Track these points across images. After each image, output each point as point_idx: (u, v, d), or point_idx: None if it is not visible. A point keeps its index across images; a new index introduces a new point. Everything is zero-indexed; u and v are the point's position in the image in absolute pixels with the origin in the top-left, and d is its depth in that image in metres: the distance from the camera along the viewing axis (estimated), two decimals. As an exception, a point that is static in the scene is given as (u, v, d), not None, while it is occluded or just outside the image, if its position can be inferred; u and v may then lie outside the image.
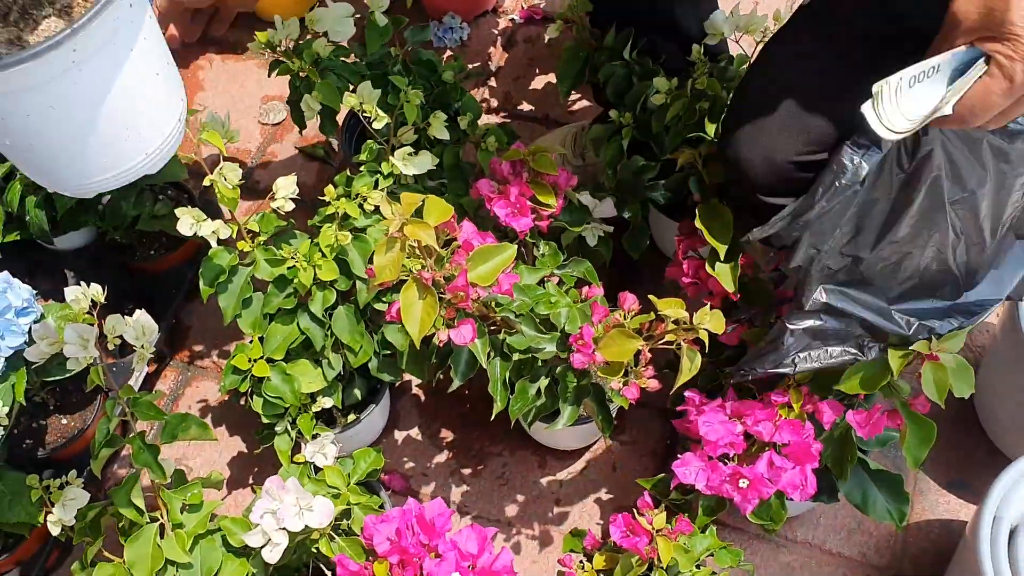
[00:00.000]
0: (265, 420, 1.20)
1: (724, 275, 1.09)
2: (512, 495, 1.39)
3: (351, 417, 1.30)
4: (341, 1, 1.26)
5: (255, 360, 1.17)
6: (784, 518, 1.12)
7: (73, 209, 1.44)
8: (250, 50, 1.32)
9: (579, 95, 1.78)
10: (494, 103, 1.79)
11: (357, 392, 1.30)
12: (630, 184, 1.35)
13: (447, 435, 1.44)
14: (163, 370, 1.54)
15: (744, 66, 1.33)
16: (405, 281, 0.88)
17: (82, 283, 1.07)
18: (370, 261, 1.13)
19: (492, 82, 1.82)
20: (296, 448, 1.22)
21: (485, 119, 1.76)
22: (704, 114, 1.22)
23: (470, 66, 1.84)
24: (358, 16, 1.30)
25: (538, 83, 1.81)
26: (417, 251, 0.87)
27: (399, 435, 1.44)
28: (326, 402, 1.22)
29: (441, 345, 0.94)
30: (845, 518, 1.33)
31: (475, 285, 0.90)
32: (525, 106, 1.78)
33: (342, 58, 1.31)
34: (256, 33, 1.28)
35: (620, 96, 1.42)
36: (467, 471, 1.41)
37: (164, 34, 0.87)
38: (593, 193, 1.29)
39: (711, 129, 1.20)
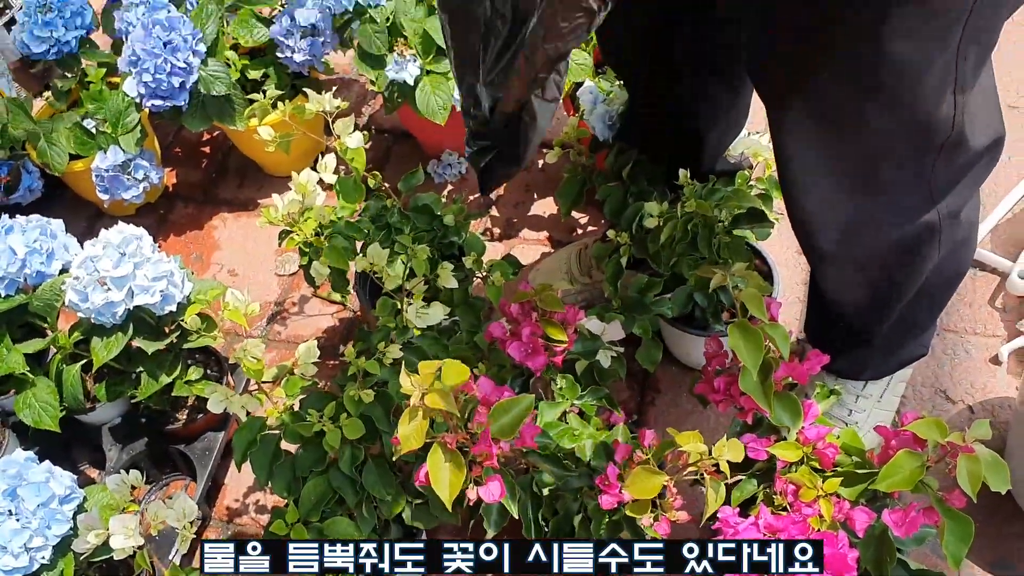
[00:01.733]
0: (307, 581, 1.21)
1: (757, 392, 1.11)
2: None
3: (391, 565, 1.32)
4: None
5: (292, 524, 1.19)
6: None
7: (110, 380, 1.49)
8: (260, 215, 1.39)
9: (581, 215, 1.83)
10: (497, 231, 1.84)
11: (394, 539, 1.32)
12: (637, 301, 1.38)
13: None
14: (204, 531, 1.56)
15: (745, 183, 1.39)
16: (430, 445, 0.91)
17: (122, 472, 1.11)
18: (395, 415, 1.16)
19: (494, 211, 1.88)
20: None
21: (491, 247, 1.82)
22: (696, 234, 1.26)
23: (471, 197, 1.90)
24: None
25: (538, 207, 1.87)
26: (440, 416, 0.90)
27: None
28: (365, 556, 1.24)
29: (471, 504, 0.96)
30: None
31: (498, 440, 0.93)
32: (527, 231, 1.84)
33: (345, 218, 1.37)
34: (262, 210, 1.34)
35: (617, 215, 1.48)
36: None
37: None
38: (600, 315, 1.33)
39: (704, 249, 1.24)
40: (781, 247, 1.71)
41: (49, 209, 1.96)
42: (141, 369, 1.46)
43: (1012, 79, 1.88)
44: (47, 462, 1.31)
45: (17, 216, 1.49)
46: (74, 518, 1.23)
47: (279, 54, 1.72)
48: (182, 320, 1.27)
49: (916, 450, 1.06)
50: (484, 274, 1.42)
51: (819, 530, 1.07)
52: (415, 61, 1.61)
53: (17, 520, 1.20)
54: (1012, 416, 1.46)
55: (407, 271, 1.26)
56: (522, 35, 0.86)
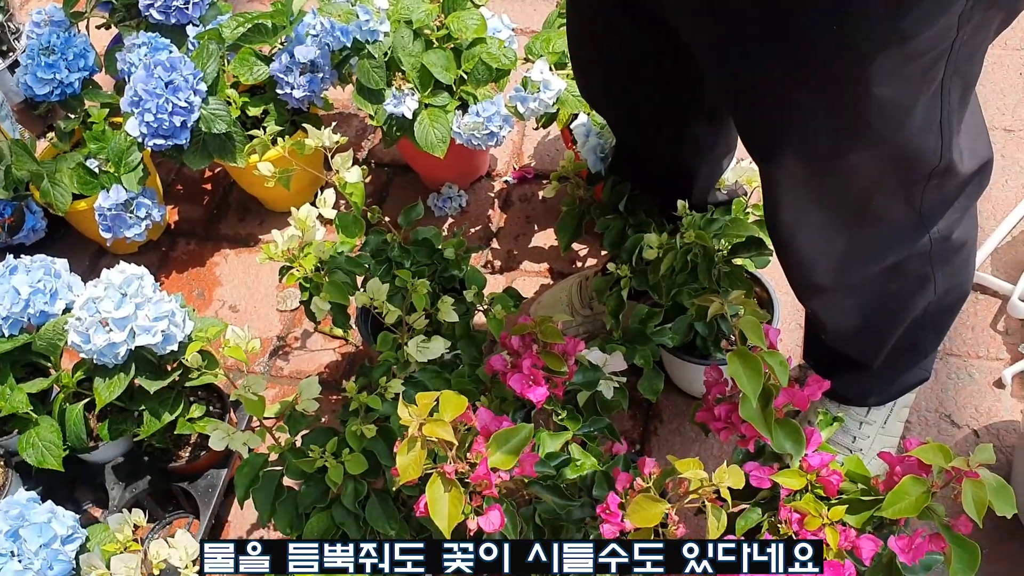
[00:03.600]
0: (311, 619, 1.20)
1: (757, 420, 1.11)
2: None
3: (396, 601, 1.31)
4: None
5: (295, 560, 1.18)
6: (839, 656, 1.11)
7: (113, 418, 1.49)
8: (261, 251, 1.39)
9: (581, 247, 1.84)
10: (498, 264, 1.85)
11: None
12: (638, 332, 1.38)
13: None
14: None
15: (742, 210, 1.40)
16: (430, 475, 0.91)
17: (124, 511, 1.11)
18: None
19: (494, 243, 1.89)
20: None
21: (492, 279, 1.82)
22: (695, 264, 1.27)
23: (471, 230, 1.91)
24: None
25: (538, 239, 1.88)
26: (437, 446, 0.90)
27: (445, 609, 1.44)
28: (369, 593, 1.23)
29: (471, 535, 0.96)
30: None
31: (497, 470, 0.93)
32: (528, 263, 1.84)
33: (346, 253, 1.37)
34: (262, 247, 1.34)
35: (617, 247, 1.48)
36: (517, 638, 1.40)
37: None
38: (602, 346, 1.33)
39: (705, 279, 1.25)
40: (780, 273, 1.71)
41: (52, 248, 1.98)
42: (143, 407, 1.46)
43: (1006, 103, 1.89)
44: (49, 502, 1.31)
45: (22, 256, 1.50)
46: (77, 558, 1.22)
47: (279, 91, 1.74)
48: (184, 359, 1.27)
49: (921, 476, 1.06)
50: (485, 307, 1.43)
51: (825, 559, 1.07)
52: (413, 95, 1.62)
53: (19, 561, 1.19)
54: (1017, 440, 1.45)
55: (408, 305, 1.27)
56: None
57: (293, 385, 1.73)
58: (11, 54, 2.18)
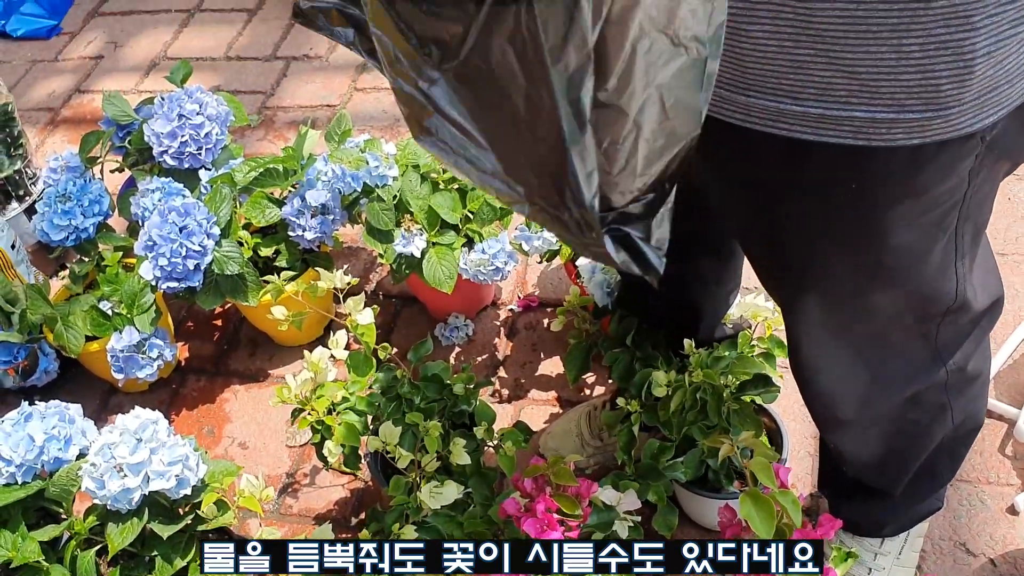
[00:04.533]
0: None
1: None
2: None
3: None
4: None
5: None
6: None
7: (124, 565, 1.48)
8: (271, 386, 1.41)
9: (589, 375, 1.86)
10: (505, 392, 1.86)
11: None
12: (650, 467, 1.39)
13: None
14: None
15: (747, 344, 1.42)
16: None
17: (136, 667, 1.09)
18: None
19: (501, 371, 1.91)
20: None
21: (500, 408, 1.84)
22: (705, 402, 1.28)
23: (478, 359, 1.93)
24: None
25: (545, 367, 1.90)
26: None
27: None
28: None
29: None
30: None
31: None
32: (536, 392, 1.86)
33: (357, 393, 1.39)
34: (275, 389, 1.37)
35: (626, 379, 1.50)
36: None
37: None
38: (615, 484, 1.33)
39: (714, 416, 1.26)
40: (788, 401, 1.73)
41: (63, 388, 1.99)
42: (156, 553, 1.45)
43: (997, 228, 1.94)
44: (61, 658, 1.29)
45: (36, 402, 1.52)
46: None
47: (290, 232, 1.79)
48: (199, 509, 1.27)
49: (940, 614, 1.05)
50: (495, 443, 1.44)
51: None
52: (421, 235, 1.67)
53: None
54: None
55: (419, 445, 1.28)
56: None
57: (302, 523, 1.72)
58: (27, 198, 2.24)
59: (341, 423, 1.34)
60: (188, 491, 1.39)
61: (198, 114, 1.89)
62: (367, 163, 1.65)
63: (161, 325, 1.88)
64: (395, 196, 1.69)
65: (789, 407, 1.72)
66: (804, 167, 0.89)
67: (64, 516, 1.50)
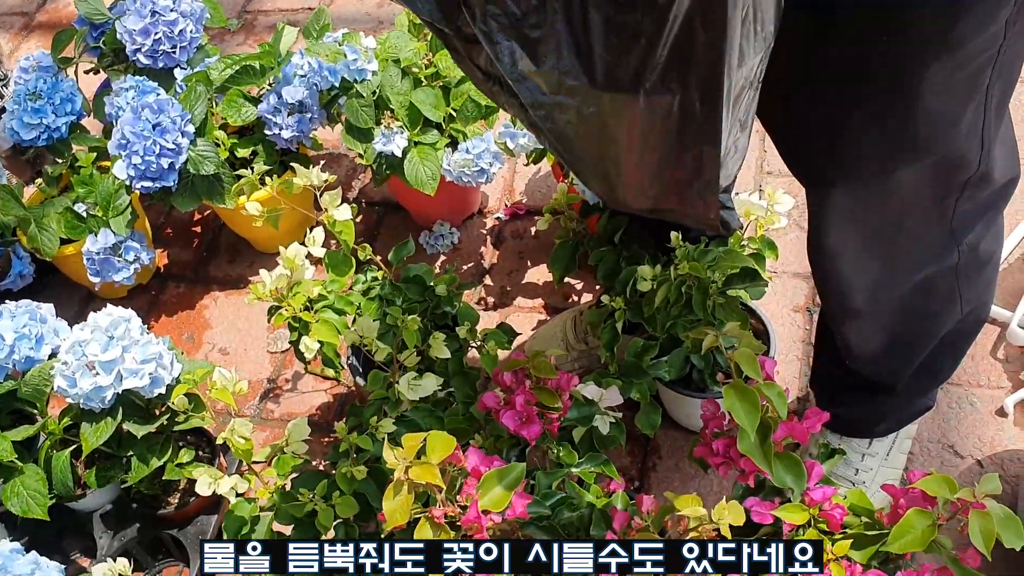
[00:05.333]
0: (303, 669, 1.17)
1: (756, 454, 1.08)
2: None
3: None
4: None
5: (286, 609, 1.15)
6: None
7: (100, 465, 1.46)
8: (249, 293, 1.37)
9: (576, 280, 1.82)
10: (491, 301, 1.83)
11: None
12: (634, 365, 1.36)
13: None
14: (198, 620, 1.52)
15: (738, 243, 1.38)
16: (419, 520, 0.88)
17: (109, 560, 1.07)
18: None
19: (487, 280, 1.87)
20: None
21: (485, 316, 1.80)
22: (690, 296, 1.25)
23: (464, 267, 1.90)
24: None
25: (531, 275, 1.86)
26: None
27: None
28: (364, 640, 1.19)
29: (464, 579, 0.93)
30: None
31: (488, 512, 0.90)
32: (522, 299, 1.82)
33: (335, 291, 1.36)
34: (250, 287, 1.33)
35: (611, 279, 1.46)
36: None
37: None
38: (597, 381, 1.30)
39: (699, 311, 1.23)
40: (776, 305, 1.70)
41: (40, 293, 1.95)
42: (131, 453, 1.43)
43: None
44: (33, 553, 1.28)
45: (6, 302, 1.48)
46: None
47: (267, 131, 1.73)
48: (170, 402, 1.24)
49: (926, 508, 1.03)
50: (478, 344, 1.41)
51: (831, 595, 1.04)
52: (402, 133, 1.61)
53: (2, 614, 1.16)
54: (1023, 469, 1.42)
55: (398, 343, 1.24)
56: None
57: (284, 428, 1.69)
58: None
59: (318, 320, 1.30)
60: (163, 390, 1.36)
61: (171, 10, 1.82)
62: (345, 56, 1.59)
63: (138, 228, 1.83)
64: (375, 92, 1.63)
65: (778, 312, 1.69)
66: (834, 30, 0.85)
67: (38, 417, 1.47)
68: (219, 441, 1.14)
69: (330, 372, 1.76)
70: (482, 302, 1.83)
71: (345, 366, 1.61)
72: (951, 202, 1.03)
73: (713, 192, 0.84)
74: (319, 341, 1.29)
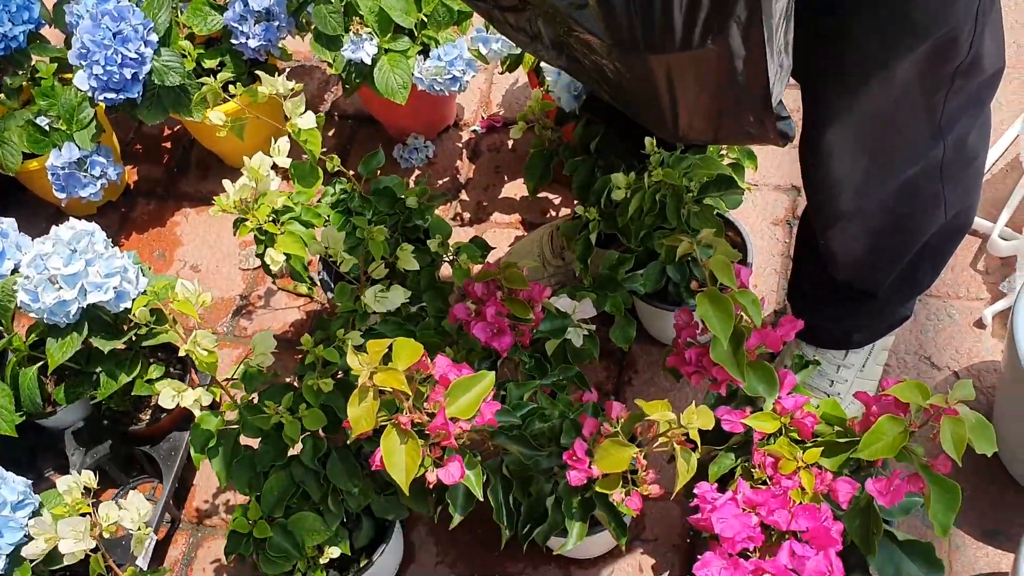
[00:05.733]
0: (274, 580, 1.17)
1: (729, 362, 1.07)
2: (541, 614, 1.35)
3: (363, 561, 1.27)
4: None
5: (255, 521, 1.14)
6: (818, 602, 1.08)
7: (69, 381, 1.44)
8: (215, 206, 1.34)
9: (554, 195, 1.79)
10: (467, 216, 1.80)
11: (367, 534, 1.27)
12: (608, 278, 1.34)
13: (466, 562, 1.41)
14: (173, 534, 1.52)
15: (716, 152, 1.35)
16: (385, 427, 0.87)
17: (73, 471, 1.06)
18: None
19: (463, 195, 1.83)
20: (312, 603, 1.19)
21: (461, 231, 1.77)
22: (664, 204, 1.22)
23: (439, 182, 1.86)
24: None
25: (508, 189, 1.82)
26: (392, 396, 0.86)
27: (417, 570, 1.41)
28: (333, 552, 1.19)
29: (431, 487, 0.92)
30: (883, 586, 1.28)
31: (456, 420, 0.89)
32: (498, 215, 1.79)
33: (302, 203, 1.32)
34: (215, 199, 1.29)
35: (585, 189, 1.43)
36: (491, 596, 1.38)
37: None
38: (571, 294, 1.28)
39: (674, 219, 1.20)
40: (756, 218, 1.67)
41: (6, 211, 1.90)
42: (100, 369, 1.41)
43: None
44: (-1, 468, 1.27)
45: (-32, 221, 1.44)
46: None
47: (234, 41, 1.67)
48: (131, 315, 1.22)
49: (898, 415, 1.02)
50: (451, 257, 1.38)
51: (800, 503, 1.03)
52: (372, 40, 1.56)
53: (-32, 529, 1.15)
54: (998, 380, 1.42)
55: (365, 254, 1.21)
56: None
57: (258, 345, 1.68)
58: (-43, 11, 2.09)
59: (284, 232, 1.27)
60: (128, 304, 1.33)
61: (131, -88, 1.73)
62: (311, -41, 1.53)
63: (104, 143, 1.78)
64: (343, -2, 1.57)
65: (757, 225, 1.66)
66: None
67: (4, 333, 1.45)
68: (181, 353, 1.11)
69: (303, 288, 1.74)
70: (458, 217, 1.80)
71: (317, 281, 1.59)
72: (941, 95, 1.03)
73: (768, 115, 0.87)
74: (285, 254, 1.26)
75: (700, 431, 0.95)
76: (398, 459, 0.85)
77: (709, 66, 0.80)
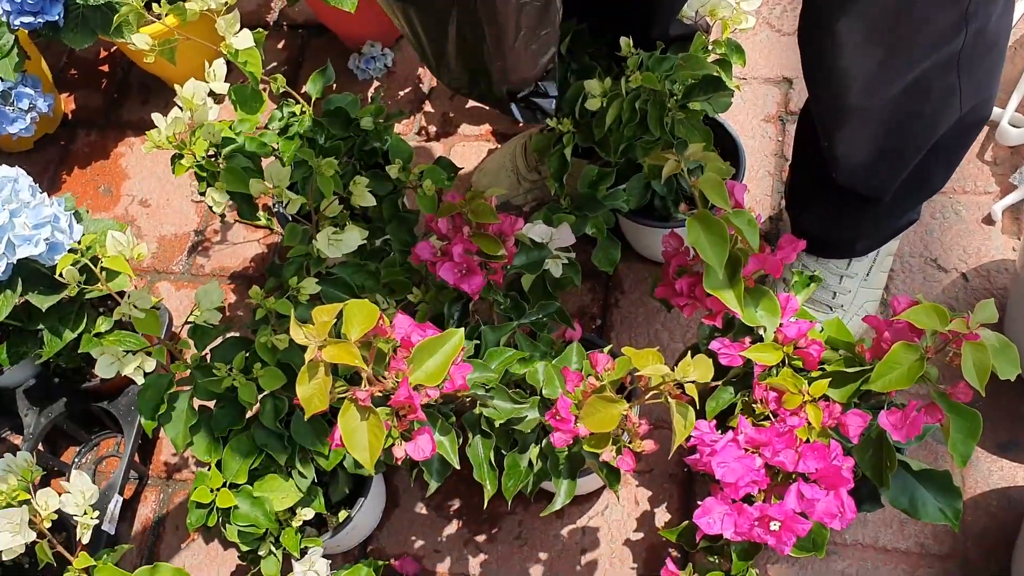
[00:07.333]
0: (245, 549, 1.09)
1: (724, 292, 0.96)
2: (534, 555, 1.28)
3: (342, 515, 1.19)
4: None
5: (217, 489, 1.05)
6: (827, 537, 1.01)
7: (12, 340, 1.33)
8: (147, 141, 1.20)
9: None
10: (433, 130, 1.66)
11: (343, 488, 1.19)
12: (588, 197, 1.22)
13: (453, 503, 1.33)
14: (142, 491, 1.43)
15: (701, 49, 1.21)
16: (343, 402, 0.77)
17: (8, 456, 0.96)
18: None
19: (427, 106, 1.69)
20: (288, 566, 1.11)
21: (427, 147, 1.64)
22: (645, 112, 1.09)
23: (400, 93, 1.71)
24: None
25: (475, 97, 1.68)
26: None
27: (402, 514, 1.33)
28: (307, 513, 1.11)
29: (399, 462, 0.82)
30: (894, 510, 1.21)
31: (423, 387, 0.79)
32: (467, 127, 1.66)
33: (244, 133, 1.19)
34: (147, 134, 1.16)
35: (559, 96, 1.30)
36: (481, 537, 1.30)
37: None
38: (547, 219, 1.16)
39: (656, 129, 1.08)
40: (745, 116, 1.54)
41: (-66, 153, 1.77)
42: (42, 326, 1.30)
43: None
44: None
45: None
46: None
47: (160, -51, 1.50)
48: (58, 275, 1.10)
49: (913, 341, 0.92)
50: (414, 184, 1.25)
51: (807, 441, 0.95)
52: (312, -58, 1.40)
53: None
54: (1011, 281, 1.32)
55: (315, 190, 1.09)
56: None
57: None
58: None
59: (225, 167, 1.14)
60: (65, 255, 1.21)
61: None
62: None
63: (31, 72, 1.63)
64: None
65: (747, 124, 1.54)
66: None
67: (-65, 293, 1.33)
68: (115, 316, 1.00)
69: (263, 220, 1.61)
70: (423, 132, 1.67)
71: (273, 214, 1.46)
72: None
73: (500, 83, 0.96)
74: (229, 192, 1.13)
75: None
76: (359, 437, 0.75)
77: (450, 23, 0.90)
